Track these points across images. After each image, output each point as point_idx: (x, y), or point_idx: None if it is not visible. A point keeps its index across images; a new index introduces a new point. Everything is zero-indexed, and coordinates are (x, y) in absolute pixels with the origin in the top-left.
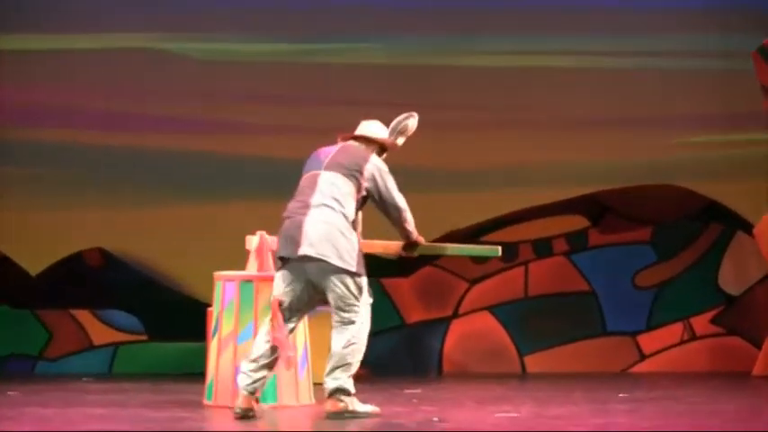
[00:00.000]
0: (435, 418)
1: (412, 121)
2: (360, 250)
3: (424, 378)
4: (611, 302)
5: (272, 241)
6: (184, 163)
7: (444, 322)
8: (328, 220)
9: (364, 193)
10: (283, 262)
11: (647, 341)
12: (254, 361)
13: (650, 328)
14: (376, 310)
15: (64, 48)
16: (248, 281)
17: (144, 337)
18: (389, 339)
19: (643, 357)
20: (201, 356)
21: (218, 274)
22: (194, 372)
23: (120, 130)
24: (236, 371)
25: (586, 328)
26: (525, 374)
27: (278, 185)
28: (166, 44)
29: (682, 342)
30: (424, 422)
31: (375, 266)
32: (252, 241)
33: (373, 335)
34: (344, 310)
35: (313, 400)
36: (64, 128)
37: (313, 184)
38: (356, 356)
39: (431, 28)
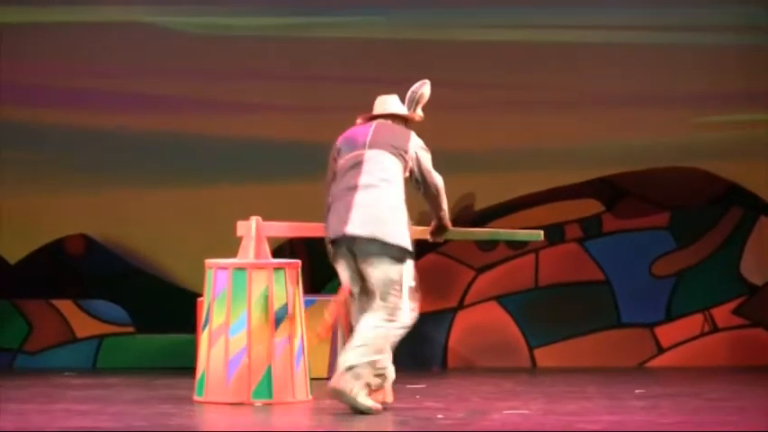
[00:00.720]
0: (440, 415)
1: (426, 89)
2: (408, 232)
3: (427, 373)
4: (626, 292)
5: (267, 226)
6: (172, 144)
7: (449, 313)
8: (379, 200)
9: (408, 173)
10: (335, 246)
11: (665, 333)
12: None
13: (668, 319)
14: None
15: (41, 21)
16: (241, 269)
17: (130, 330)
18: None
19: (661, 351)
20: (191, 349)
21: (209, 261)
22: (184, 366)
23: (103, 109)
24: (227, 365)
25: (600, 319)
26: (535, 369)
27: (272, 168)
28: (153, 18)
29: (702, 334)
30: (427, 419)
31: None
32: (244, 227)
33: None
34: (386, 294)
35: (310, 396)
36: (43, 107)
37: (358, 164)
38: (386, 343)
39: (433, 0)
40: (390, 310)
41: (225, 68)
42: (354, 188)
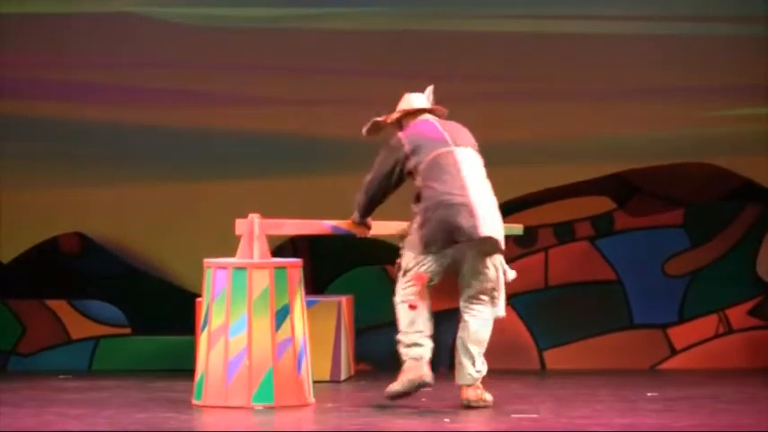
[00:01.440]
0: (446, 419)
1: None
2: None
3: (434, 375)
4: (639, 292)
5: (266, 225)
6: (168, 139)
7: (456, 314)
8: (490, 200)
9: None
10: (447, 246)
11: (679, 335)
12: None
13: (682, 320)
14: (379, 301)
15: (31, 11)
16: (241, 268)
17: (127, 331)
18: (396, 332)
19: (674, 352)
20: (190, 351)
21: (208, 261)
22: (182, 368)
23: (98, 101)
24: (227, 367)
25: (612, 320)
26: (545, 371)
27: (271, 163)
28: (148, 8)
29: (716, 335)
30: (434, 423)
31: (376, 253)
32: (243, 225)
33: (377, 328)
34: (492, 292)
35: (312, 399)
36: (34, 99)
37: (454, 163)
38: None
39: None
40: (495, 307)
41: (222, 61)
42: (464, 188)
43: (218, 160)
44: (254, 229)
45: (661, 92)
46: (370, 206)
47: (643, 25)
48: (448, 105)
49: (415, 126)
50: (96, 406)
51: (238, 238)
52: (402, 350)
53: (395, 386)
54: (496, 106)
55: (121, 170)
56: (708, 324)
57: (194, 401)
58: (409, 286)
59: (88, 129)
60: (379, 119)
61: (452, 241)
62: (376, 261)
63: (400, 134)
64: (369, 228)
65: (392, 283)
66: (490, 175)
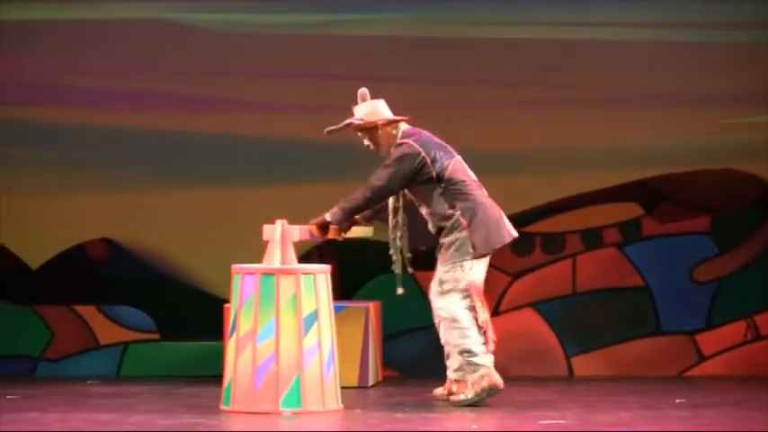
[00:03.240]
0: (474, 426)
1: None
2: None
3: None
4: (666, 298)
5: (294, 230)
6: (197, 144)
7: None
8: None
9: None
10: (489, 251)
11: (707, 341)
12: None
13: (710, 326)
14: (408, 306)
15: (60, 18)
16: (269, 274)
17: (155, 336)
18: (422, 338)
19: (702, 359)
20: (218, 357)
21: (236, 267)
22: (210, 374)
23: (126, 108)
24: (255, 373)
25: (640, 326)
26: (572, 377)
27: (298, 169)
28: (174, 14)
29: (744, 342)
30: (460, 429)
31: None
32: (269, 231)
33: (405, 333)
34: None
35: (340, 405)
36: (63, 105)
37: (465, 170)
38: None
39: None
40: None
41: (248, 67)
42: (486, 192)
43: (246, 166)
44: (280, 235)
45: (688, 99)
46: (362, 210)
47: (670, 32)
48: (474, 111)
49: (416, 134)
50: (124, 411)
51: (265, 244)
52: (473, 359)
53: (469, 396)
54: (523, 113)
55: (149, 176)
56: (736, 330)
57: (222, 407)
58: (463, 297)
59: (116, 134)
60: (358, 121)
61: (501, 241)
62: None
63: (412, 142)
64: (344, 231)
65: (419, 289)
66: (519, 182)
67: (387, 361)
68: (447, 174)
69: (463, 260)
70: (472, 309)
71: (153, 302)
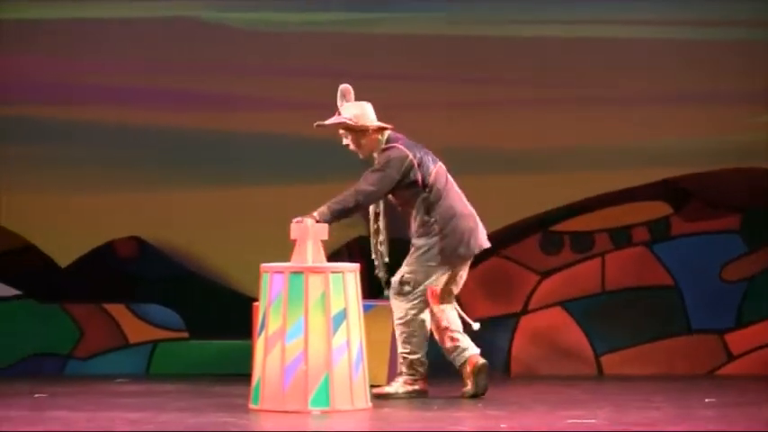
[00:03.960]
0: (503, 425)
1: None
2: None
3: (490, 380)
4: (696, 297)
5: (320, 228)
6: (227, 143)
7: (512, 318)
8: None
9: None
10: (465, 258)
11: (736, 340)
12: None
13: (739, 325)
14: None
15: (90, 17)
16: (298, 273)
17: (184, 335)
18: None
19: (731, 358)
20: (247, 356)
21: (264, 265)
22: (239, 372)
23: (155, 106)
24: (284, 372)
25: (669, 325)
26: (601, 376)
27: (328, 167)
28: (203, 12)
29: None
30: (489, 428)
31: None
32: (298, 229)
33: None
34: None
35: (369, 404)
36: (92, 104)
37: (448, 177)
38: None
39: None
40: None
41: (278, 65)
42: (465, 200)
43: (274, 164)
44: (305, 234)
45: (716, 97)
46: (350, 214)
47: (700, 31)
48: (502, 109)
49: (402, 138)
50: (153, 410)
51: (294, 243)
52: (416, 367)
53: (397, 389)
54: (552, 111)
55: (179, 174)
56: (765, 330)
57: (251, 406)
58: (419, 301)
59: (145, 132)
60: (350, 122)
61: (471, 252)
62: None
63: (400, 145)
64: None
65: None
66: (548, 180)
67: None
68: (431, 179)
69: (428, 265)
70: (424, 313)
71: (182, 301)
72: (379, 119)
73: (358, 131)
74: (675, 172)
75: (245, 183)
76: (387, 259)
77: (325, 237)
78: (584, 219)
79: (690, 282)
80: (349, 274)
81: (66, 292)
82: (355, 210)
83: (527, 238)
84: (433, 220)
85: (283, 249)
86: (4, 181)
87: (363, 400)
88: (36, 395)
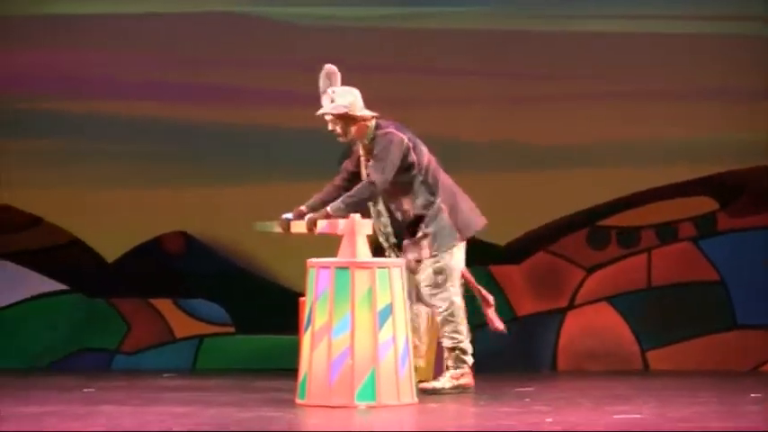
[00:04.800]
0: (549, 420)
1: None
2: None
3: (536, 375)
4: (742, 293)
5: (365, 224)
6: (273, 138)
7: (559, 314)
8: None
9: None
10: (475, 232)
11: None
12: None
13: None
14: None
15: (142, 12)
16: (343, 268)
17: (231, 330)
18: (495, 333)
19: None
20: (294, 351)
21: (311, 261)
22: (286, 367)
23: (202, 101)
24: (330, 366)
25: (715, 321)
26: (648, 371)
27: None
28: (248, 8)
29: None
30: (536, 424)
31: (479, 253)
32: (344, 225)
33: (481, 327)
34: None
35: (415, 399)
36: (136, 98)
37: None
38: None
39: None
40: None
41: (322, 60)
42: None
43: (322, 160)
44: (352, 229)
45: (764, 92)
46: (365, 206)
47: (745, 25)
48: (549, 104)
49: (393, 123)
50: (199, 405)
51: (340, 239)
52: (464, 357)
53: (444, 384)
54: (598, 106)
55: (225, 169)
56: None
57: (298, 401)
58: (457, 287)
59: (193, 128)
60: (346, 110)
61: (479, 226)
62: (480, 261)
63: (395, 131)
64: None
65: (496, 283)
66: (595, 176)
67: None
68: (425, 161)
69: (452, 246)
70: (461, 297)
71: (228, 296)
72: (421, 114)
73: (346, 118)
74: (722, 168)
75: (292, 178)
76: (394, 240)
77: (370, 232)
78: (631, 214)
79: (736, 277)
80: (395, 270)
81: (113, 288)
82: (369, 200)
83: (574, 234)
84: (439, 200)
85: (329, 245)
86: (50, 176)
87: (409, 395)
88: (84, 390)
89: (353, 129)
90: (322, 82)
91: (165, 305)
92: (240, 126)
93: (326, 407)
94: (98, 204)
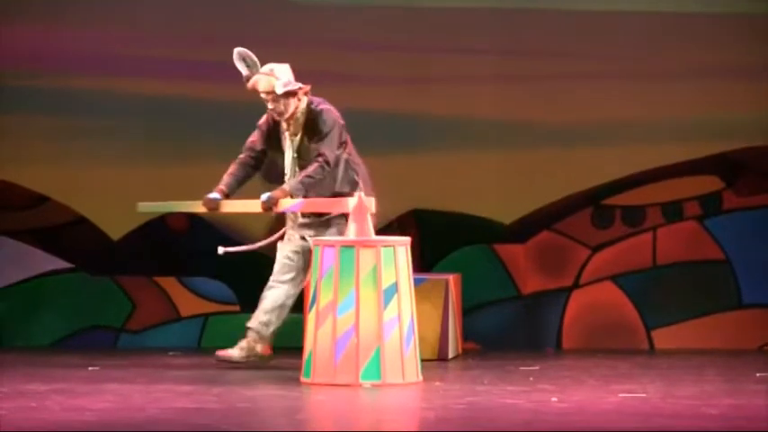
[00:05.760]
0: (554, 398)
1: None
2: None
3: (541, 354)
4: (747, 272)
5: (371, 202)
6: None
7: (564, 293)
8: None
9: None
10: None
11: None
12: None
13: None
14: (487, 279)
15: None
16: (349, 246)
17: (236, 308)
18: (504, 311)
19: None
20: (298, 329)
21: (315, 239)
22: (290, 346)
23: (210, 78)
24: (335, 345)
25: (720, 300)
26: (653, 350)
27: (377, 140)
28: None
29: None
30: (541, 402)
31: (484, 231)
32: (348, 203)
33: (486, 306)
34: None
35: (420, 378)
36: (148, 76)
37: None
38: None
39: None
40: None
41: (333, 39)
42: None
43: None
44: (358, 207)
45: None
46: (319, 186)
47: (758, 5)
48: (562, 83)
49: (322, 99)
50: (205, 383)
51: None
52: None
53: (235, 354)
54: (604, 85)
55: (231, 147)
56: None
57: (303, 379)
58: None
59: (201, 105)
60: (298, 87)
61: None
62: (484, 240)
63: (332, 107)
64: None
65: (500, 261)
66: (600, 154)
67: (467, 334)
68: (349, 141)
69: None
70: None
71: (233, 274)
72: (426, 91)
73: (290, 95)
74: (727, 146)
75: None
76: (303, 219)
77: (374, 210)
78: (636, 193)
79: (741, 256)
80: (400, 248)
81: (119, 266)
82: (324, 179)
83: (579, 212)
84: (360, 181)
85: None
86: (55, 153)
87: (414, 374)
88: (90, 368)
89: (292, 105)
90: (241, 65)
91: (170, 283)
92: (248, 104)
93: (331, 385)
94: (103, 182)
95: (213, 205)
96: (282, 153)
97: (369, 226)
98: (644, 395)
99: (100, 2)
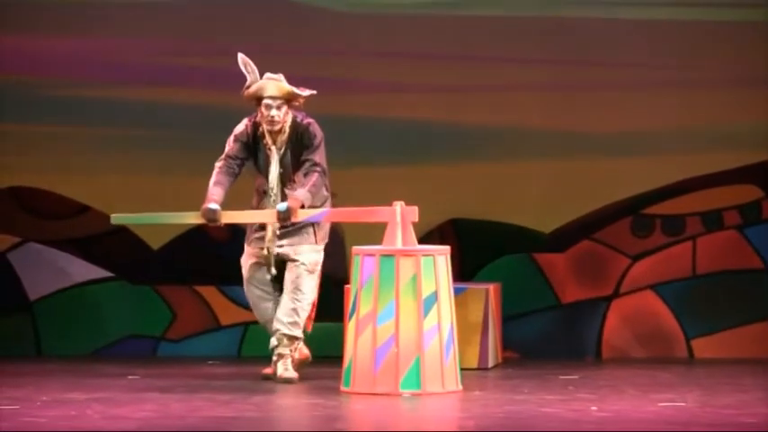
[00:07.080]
0: (593, 407)
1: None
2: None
3: (581, 363)
4: None
5: (412, 212)
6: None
7: (603, 302)
8: None
9: None
10: None
11: None
12: None
13: None
14: (527, 288)
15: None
16: (389, 255)
17: None
18: (543, 320)
19: None
20: (338, 338)
21: (356, 248)
22: (331, 355)
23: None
24: (375, 354)
25: (760, 309)
26: (692, 360)
27: (418, 149)
28: None
29: None
30: (580, 411)
31: (525, 241)
32: (388, 212)
33: (525, 315)
34: None
35: (460, 387)
36: (178, 85)
37: None
38: None
39: None
40: None
41: (376, 48)
42: None
43: (366, 146)
44: (399, 217)
45: None
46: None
47: None
48: (593, 92)
49: (306, 115)
50: (244, 392)
51: (383, 226)
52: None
53: (290, 374)
54: (643, 94)
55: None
56: None
57: (342, 388)
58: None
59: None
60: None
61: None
62: (524, 249)
63: (315, 121)
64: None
65: (540, 271)
66: (640, 163)
67: (506, 342)
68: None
69: (324, 242)
70: None
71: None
72: (468, 100)
73: (289, 105)
74: (767, 156)
75: (334, 165)
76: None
77: (416, 219)
78: (676, 202)
79: None
80: (440, 257)
81: (158, 275)
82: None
83: (618, 222)
84: (331, 197)
85: (374, 232)
86: (96, 163)
87: (454, 383)
88: (130, 377)
89: (289, 114)
90: (245, 69)
91: (210, 292)
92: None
93: (371, 394)
94: (142, 191)
95: (213, 216)
96: (258, 167)
97: (411, 235)
98: (683, 404)
99: (145, 11)
